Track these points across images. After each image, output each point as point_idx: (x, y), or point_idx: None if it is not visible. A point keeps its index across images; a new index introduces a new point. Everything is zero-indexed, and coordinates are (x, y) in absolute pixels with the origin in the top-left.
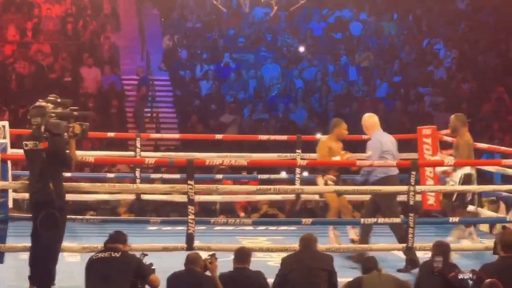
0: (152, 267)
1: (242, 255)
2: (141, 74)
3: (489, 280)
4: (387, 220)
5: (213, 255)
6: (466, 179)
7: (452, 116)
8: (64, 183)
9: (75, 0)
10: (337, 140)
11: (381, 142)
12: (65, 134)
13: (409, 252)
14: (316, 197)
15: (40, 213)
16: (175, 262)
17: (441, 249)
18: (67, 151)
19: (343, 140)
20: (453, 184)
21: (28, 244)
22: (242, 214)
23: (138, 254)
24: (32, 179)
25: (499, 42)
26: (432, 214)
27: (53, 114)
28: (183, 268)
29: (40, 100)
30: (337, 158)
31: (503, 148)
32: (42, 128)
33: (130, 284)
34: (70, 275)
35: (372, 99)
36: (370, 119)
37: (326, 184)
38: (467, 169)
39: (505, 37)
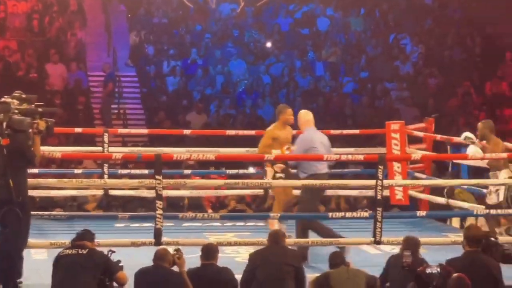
0: (120, 264)
1: (209, 251)
2: (107, 70)
3: (456, 274)
4: (354, 214)
5: (178, 250)
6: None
7: (480, 123)
8: (30, 179)
9: None
10: (284, 127)
11: (310, 139)
12: (30, 130)
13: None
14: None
15: (1, 211)
16: (143, 259)
17: (411, 244)
18: (31, 148)
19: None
20: (497, 189)
21: None
22: (210, 211)
23: (105, 251)
24: None
25: (465, 37)
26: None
27: (16, 111)
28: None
29: (6, 96)
30: (277, 151)
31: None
32: (4, 125)
33: (97, 281)
34: (37, 272)
35: (339, 94)
36: (305, 116)
37: (275, 173)
38: (507, 172)
39: (471, 32)
